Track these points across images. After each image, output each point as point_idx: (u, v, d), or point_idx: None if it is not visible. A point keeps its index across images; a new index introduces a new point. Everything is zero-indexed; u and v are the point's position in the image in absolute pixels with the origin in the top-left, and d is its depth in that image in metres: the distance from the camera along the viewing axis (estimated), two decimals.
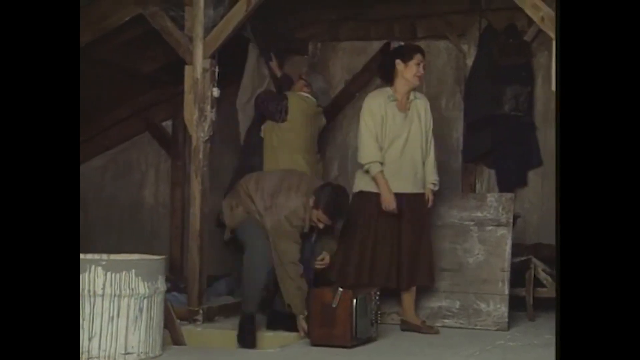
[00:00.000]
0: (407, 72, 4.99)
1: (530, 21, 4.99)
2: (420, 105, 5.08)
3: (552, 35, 4.61)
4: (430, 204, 5.06)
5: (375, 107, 4.98)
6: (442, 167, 6.41)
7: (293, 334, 4.77)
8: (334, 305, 4.47)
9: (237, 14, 5.19)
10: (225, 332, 4.92)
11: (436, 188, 5.09)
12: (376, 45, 6.62)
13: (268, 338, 4.88)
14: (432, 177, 5.06)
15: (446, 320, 5.23)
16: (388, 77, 5.07)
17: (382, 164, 4.92)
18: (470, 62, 6.18)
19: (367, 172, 4.95)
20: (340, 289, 4.51)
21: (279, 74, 6.06)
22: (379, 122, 4.95)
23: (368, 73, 6.69)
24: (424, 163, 5.05)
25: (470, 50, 6.20)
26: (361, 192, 5.01)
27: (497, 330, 5.06)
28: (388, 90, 5.05)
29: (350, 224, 4.97)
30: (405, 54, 5.03)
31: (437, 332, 4.96)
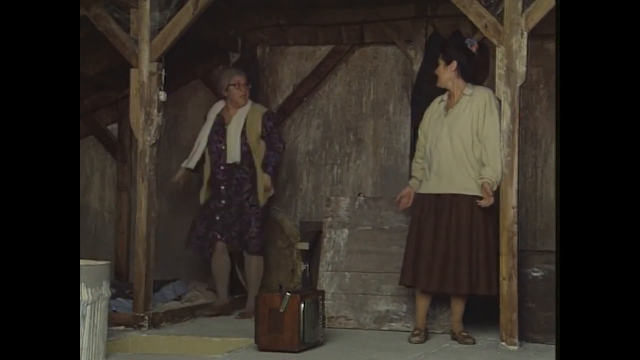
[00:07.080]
0: None
1: (475, 28, 5.05)
2: None
3: (495, 42, 4.71)
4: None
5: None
6: (389, 172, 6.49)
7: (241, 339, 4.76)
8: (281, 310, 4.46)
9: (184, 17, 5.15)
10: (171, 338, 4.87)
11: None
12: (324, 50, 6.64)
13: (215, 343, 4.85)
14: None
15: (393, 324, 5.26)
16: (478, 77, 4.89)
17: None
18: (417, 67, 6.24)
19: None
20: (288, 294, 4.50)
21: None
22: None
23: (317, 78, 6.70)
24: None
25: (417, 56, 6.26)
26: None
27: (443, 333, 5.10)
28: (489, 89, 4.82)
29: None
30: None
31: (473, 343, 4.73)
